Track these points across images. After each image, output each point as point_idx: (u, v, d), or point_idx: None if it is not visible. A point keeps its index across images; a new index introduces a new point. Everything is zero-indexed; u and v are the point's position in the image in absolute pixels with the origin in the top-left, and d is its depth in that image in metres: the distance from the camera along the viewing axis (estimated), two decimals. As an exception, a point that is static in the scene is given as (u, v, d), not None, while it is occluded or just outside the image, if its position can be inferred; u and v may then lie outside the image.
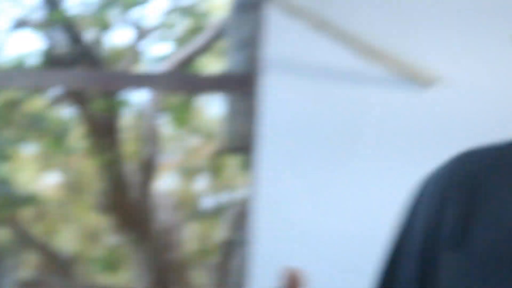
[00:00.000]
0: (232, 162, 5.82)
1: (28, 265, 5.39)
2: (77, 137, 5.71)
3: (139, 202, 5.30)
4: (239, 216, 5.75)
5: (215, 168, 5.91)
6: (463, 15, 2.37)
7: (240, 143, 3.08)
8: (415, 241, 1.17)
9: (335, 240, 2.36)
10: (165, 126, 6.61)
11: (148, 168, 5.34)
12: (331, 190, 2.38)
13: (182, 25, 6.66)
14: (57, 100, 5.19)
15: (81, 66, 4.95)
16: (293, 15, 2.29)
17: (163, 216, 5.56)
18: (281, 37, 2.41)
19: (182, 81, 2.62)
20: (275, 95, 2.41)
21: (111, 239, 5.89)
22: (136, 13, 6.23)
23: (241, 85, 2.52)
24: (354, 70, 2.36)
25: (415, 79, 2.33)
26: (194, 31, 6.40)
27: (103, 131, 4.99)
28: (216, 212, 5.90)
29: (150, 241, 5.11)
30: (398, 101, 2.37)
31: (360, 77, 2.36)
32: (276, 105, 2.41)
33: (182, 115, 5.72)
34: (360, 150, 2.38)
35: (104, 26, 5.92)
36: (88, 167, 5.32)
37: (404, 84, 2.36)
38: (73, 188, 6.17)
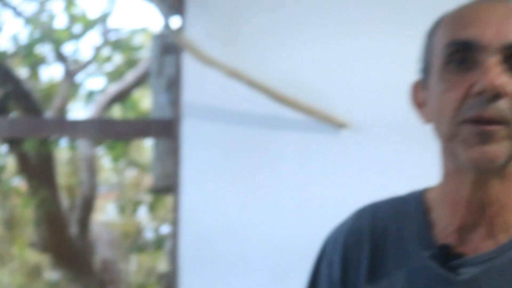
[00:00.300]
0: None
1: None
2: (12, 174, 5.69)
3: (78, 237, 5.29)
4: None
5: (153, 202, 5.94)
6: (370, 68, 2.50)
7: (167, 183, 3.19)
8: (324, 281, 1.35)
9: (257, 270, 2.49)
10: (103, 159, 6.61)
11: (86, 203, 5.32)
12: (247, 224, 2.50)
13: (116, 59, 6.67)
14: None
15: (13, 104, 4.93)
16: (206, 64, 2.41)
17: (103, 250, 5.57)
18: (200, 83, 2.53)
19: (106, 128, 2.71)
20: (194, 139, 2.53)
21: (51, 275, 5.89)
22: (69, 48, 6.21)
23: (163, 130, 2.62)
24: (269, 115, 2.49)
25: (328, 122, 2.46)
26: (129, 65, 6.42)
27: (38, 168, 4.97)
28: (158, 245, 5.94)
29: (90, 276, 5.14)
30: (311, 143, 2.50)
31: (274, 121, 2.49)
32: (196, 148, 2.53)
33: (119, 149, 5.74)
34: (276, 187, 2.51)
35: (36, 62, 5.90)
36: (25, 204, 5.30)
37: (318, 127, 2.48)
38: (10, 225, 6.14)
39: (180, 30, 2.51)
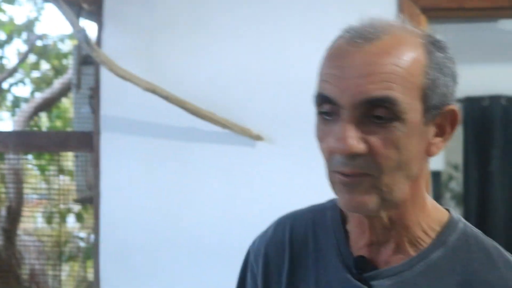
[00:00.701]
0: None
1: None
2: None
3: (4, 247, 5.22)
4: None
5: (81, 211, 5.88)
6: (283, 83, 2.58)
7: (89, 193, 3.21)
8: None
9: (178, 280, 2.55)
10: (30, 166, 6.52)
11: (13, 213, 5.24)
12: (168, 234, 2.56)
13: (44, 67, 6.58)
14: None
15: None
16: (122, 78, 2.45)
17: (31, 259, 5.51)
18: (118, 97, 2.58)
19: (26, 140, 2.73)
20: (114, 151, 2.58)
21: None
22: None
23: (82, 143, 2.65)
24: (188, 128, 2.55)
25: (244, 135, 2.53)
26: (56, 72, 6.34)
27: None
28: (87, 254, 5.89)
29: (18, 287, 5.08)
30: (229, 154, 2.58)
31: (193, 133, 2.55)
32: (115, 160, 2.57)
33: (46, 158, 5.67)
34: (196, 197, 2.58)
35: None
36: None
37: (235, 140, 2.55)
38: None
39: (97, 43, 2.55)
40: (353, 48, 1.12)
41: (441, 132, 1.17)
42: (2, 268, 5.16)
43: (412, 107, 1.11)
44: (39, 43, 6.39)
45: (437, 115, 1.15)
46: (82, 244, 6.33)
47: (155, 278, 2.54)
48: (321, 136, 1.15)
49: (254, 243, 1.44)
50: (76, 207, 5.99)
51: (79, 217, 5.92)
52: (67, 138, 2.69)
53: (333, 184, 1.16)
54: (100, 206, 2.56)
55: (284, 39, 2.55)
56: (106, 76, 2.58)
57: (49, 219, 6.09)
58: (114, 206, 2.57)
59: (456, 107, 1.15)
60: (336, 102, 1.11)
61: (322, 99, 1.13)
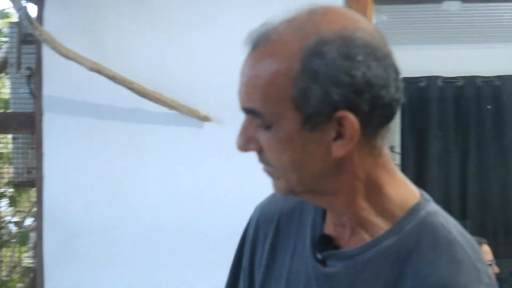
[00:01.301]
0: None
1: None
2: None
3: None
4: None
5: (15, 195, 5.77)
6: (228, 64, 2.46)
7: (28, 177, 3.14)
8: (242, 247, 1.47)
9: (123, 263, 2.52)
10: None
11: None
12: (113, 216, 2.51)
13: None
14: None
15: None
16: (66, 58, 2.38)
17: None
18: (61, 77, 2.51)
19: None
20: (56, 133, 2.51)
21: None
22: None
23: (23, 124, 2.58)
24: (134, 108, 2.50)
25: (192, 116, 2.50)
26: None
27: None
28: (22, 239, 5.78)
29: None
30: (176, 135, 2.54)
31: (139, 114, 2.51)
32: (58, 142, 2.51)
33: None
34: (142, 178, 2.54)
35: None
36: None
37: (182, 121, 2.51)
38: None
39: (38, 21, 2.47)
40: (246, 54, 1.20)
41: (340, 136, 1.18)
42: None
43: (283, 117, 1.17)
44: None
45: (325, 121, 1.17)
46: (15, 229, 6.21)
47: (100, 261, 2.50)
48: None
49: (253, 211, 1.50)
50: (9, 191, 5.87)
51: (13, 201, 5.80)
52: (7, 119, 2.60)
53: None
54: (43, 189, 2.50)
55: (231, 21, 2.52)
56: (48, 55, 2.50)
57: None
58: (58, 189, 2.52)
59: (346, 113, 1.16)
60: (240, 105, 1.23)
61: None
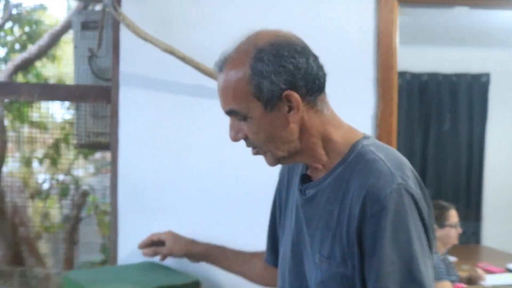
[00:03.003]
0: (67, 151, 5.67)
1: None
2: None
3: (-10, 187, 4.99)
4: (81, 195, 5.63)
5: (53, 155, 5.69)
6: None
7: (89, 140, 3.07)
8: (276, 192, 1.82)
9: (187, 213, 2.45)
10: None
11: None
12: (177, 173, 2.44)
13: (18, 32, 6.27)
14: None
15: None
16: (142, 39, 2.30)
17: (12, 197, 5.29)
18: (135, 56, 2.42)
19: (49, 91, 2.55)
20: (130, 104, 2.43)
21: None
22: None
23: (101, 95, 2.49)
24: (196, 85, 2.41)
25: None
26: (29, 38, 6.07)
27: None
28: (62, 192, 5.70)
29: (3, 220, 4.86)
30: None
31: (200, 90, 2.42)
32: (131, 112, 2.43)
33: (23, 112, 5.47)
34: (201, 141, 2.46)
35: None
36: None
37: None
38: None
39: (118, 7, 2.37)
40: (217, 76, 1.51)
41: (291, 109, 1.46)
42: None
43: (251, 107, 1.45)
44: (14, 11, 6.08)
45: (278, 101, 1.44)
46: (52, 184, 6.11)
47: (164, 210, 2.45)
48: None
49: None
50: (41, 153, 5.79)
51: (53, 161, 5.73)
52: (86, 90, 2.52)
53: None
54: (118, 151, 2.42)
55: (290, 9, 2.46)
56: (124, 37, 2.42)
57: (25, 162, 5.85)
58: (129, 151, 2.44)
59: (289, 92, 1.44)
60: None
61: None
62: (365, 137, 1.52)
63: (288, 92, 1.43)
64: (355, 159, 1.46)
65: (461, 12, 3.98)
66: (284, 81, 1.42)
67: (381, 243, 1.35)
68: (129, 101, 2.43)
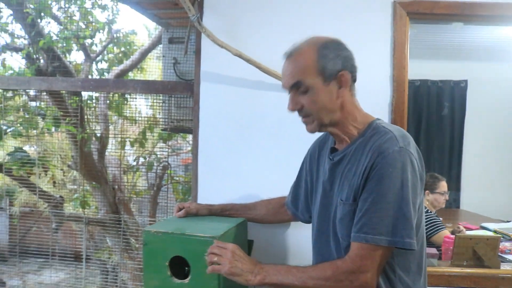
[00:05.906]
0: (152, 136, 5.67)
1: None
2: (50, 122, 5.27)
3: (98, 161, 5.05)
4: (162, 171, 5.63)
5: (141, 140, 5.70)
6: None
7: (174, 125, 3.03)
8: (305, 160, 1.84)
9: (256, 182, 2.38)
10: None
11: (102, 141, 5.06)
12: (246, 149, 2.37)
13: (117, 50, 6.33)
14: (37, 97, 4.81)
15: (58, 75, 4.60)
16: (218, 45, 2.25)
17: (112, 169, 5.32)
18: (212, 59, 2.36)
19: (149, 86, 2.51)
20: (208, 96, 2.38)
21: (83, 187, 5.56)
22: (87, 42, 5.84)
23: (186, 89, 2.44)
24: (257, 81, 2.35)
25: None
26: (125, 55, 6.12)
27: (75, 118, 4.67)
28: (149, 167, 5.71)
29: (106, 186, 4.90)
30: (285, 99, 2.37)
31: (261, 85, 2.35)
32: (208, 101, 2.38)
33: (120, 107, 5.50)
34: (262, 132, 2.38)
35: (68, 50, 5.51)
36: (64, 141, 4.97)
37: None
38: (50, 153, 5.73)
39: (201, 21, 2.32)
40: (285, 60, 1.53)
41: (341, 85, 1.46)
42: (97, 174, 4.99)
43: (314, 81, 1.45)
44: (115, 34, 6.13)
45: (334, 78, 1.46)
46: (141, 161, 6.10)
47: (233, 176, 2.38)
48: None
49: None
50: (136, 139, 5.78)
51: (141, 143, 5.73)
52: (176, 85, 2.47)
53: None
54: (198, 132, 2.37)
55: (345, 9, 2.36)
56: (204, 45, 2.37)
57: (122, 145, 5.87)
58: (207, 132, 2.39)
59: (344, 72, 1.46)
60: (284, 87, 1.52)
61: (283, 86, 1.52)
62: (378, 119, 1.55)
63: (343, 72, 1.46)
64: (371, 133, 1.47)
65: (456, 27, 3.82)
66: (340, 64, 1.45)
67: (381, 184, 1.35)
68: (207, 93, 2.37)
